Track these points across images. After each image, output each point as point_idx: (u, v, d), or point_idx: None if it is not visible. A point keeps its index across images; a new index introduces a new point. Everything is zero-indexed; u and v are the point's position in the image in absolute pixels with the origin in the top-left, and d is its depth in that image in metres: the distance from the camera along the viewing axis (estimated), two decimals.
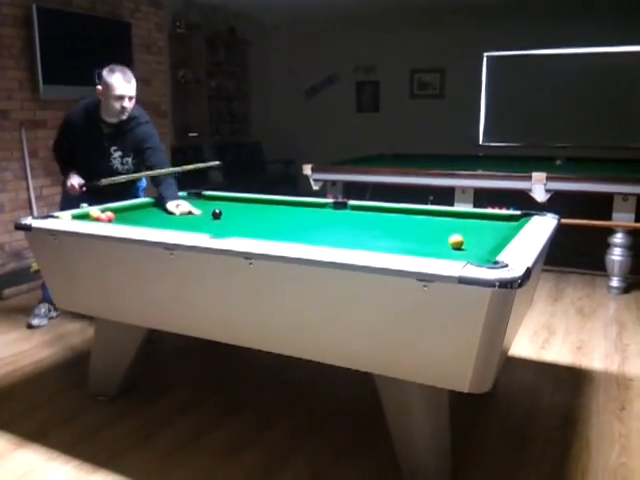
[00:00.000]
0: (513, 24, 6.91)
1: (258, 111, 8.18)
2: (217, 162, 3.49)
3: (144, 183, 3.63)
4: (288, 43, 8.21)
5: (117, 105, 3.06)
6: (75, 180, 3.20)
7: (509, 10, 6.84)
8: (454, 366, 1.74)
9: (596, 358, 3.11)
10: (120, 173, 3.27)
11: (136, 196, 3.48)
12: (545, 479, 2.09)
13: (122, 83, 3.04)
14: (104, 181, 3.15)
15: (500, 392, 2.73)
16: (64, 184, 3.33)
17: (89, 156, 3.25)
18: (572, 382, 2.84)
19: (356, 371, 1.94)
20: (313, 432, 2.41)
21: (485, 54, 7.22)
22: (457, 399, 2.08)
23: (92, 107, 3.17)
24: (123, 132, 3.19)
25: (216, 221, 2.73)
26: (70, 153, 3.31)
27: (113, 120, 3.15)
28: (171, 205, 2.99)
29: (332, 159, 5.52)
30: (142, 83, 5.52)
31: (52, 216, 2.63)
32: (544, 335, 3.44)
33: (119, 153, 3.23)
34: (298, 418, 2.52)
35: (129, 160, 3.27)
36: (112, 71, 3.06)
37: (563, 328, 3.55)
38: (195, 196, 3.44)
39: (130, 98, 3.09)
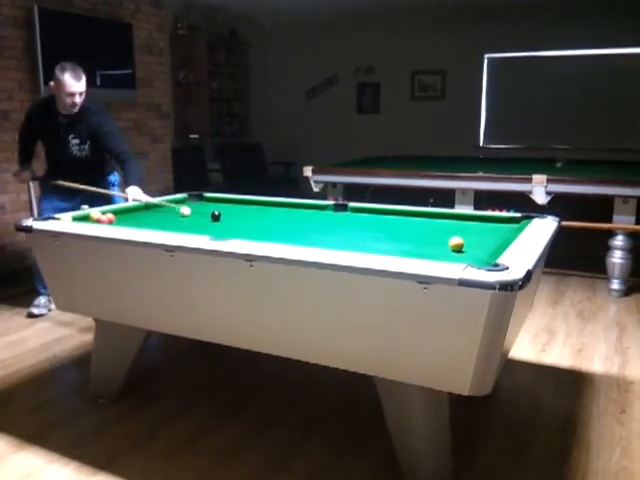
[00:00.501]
0: (514, 26, 6.92)
1: (259, 113, 8.19)
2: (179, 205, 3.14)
3: (117, 177, 3.84)
4: (289, 45, 8.21)
5: (68, 100, 3.34)
6: (26, 175, 3.69)
7: (510, 12, 6.85)
8: (454, 368, 1.74)
9: (596, 361, 3.11)
10: (79, 159, 3.57)
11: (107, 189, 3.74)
12: None
13: (72, 81, 3.31)
14: (60, 182, 3.51)
15: (500, 395, 2.72)
16: (42, 185, 3.73)
17: (50, 144, 3.61)
18: (572, 385, 2.84)
19: (356, 373, 1.94)
20: (313, 433, 2.41)
21: (486, 56, 7.23)
22: (457, 402, 2.08)
23: (51, 101, 3.48)
24: (79, 122, 3.48)
25: (216, 223, 2.73)
26: (30, 143, 3.69)
27: (67, 112, 3.44)
28: (129, 191, 3.25)
29: (333, 161, 5.53)
30: (143, 84, 5.55)
31: (53, 218, 2.63)
32: (544, 338, 3.43)
33: (76, 141, 3.52)
34: (298, 419, 2.52)
35: (86, 147, 3.55)
36: (63, 69, 3.33)
37: (563, 331, 3.54)
38: (196, 198, 3.43)
39: (80, 94, 3.37)
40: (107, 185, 3.73)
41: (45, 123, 3.53)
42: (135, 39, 5.38)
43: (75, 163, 3.57)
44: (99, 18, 4.99)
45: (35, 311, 3.73)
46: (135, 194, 3.21)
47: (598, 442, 2.34)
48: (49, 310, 3.78)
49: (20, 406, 2.65)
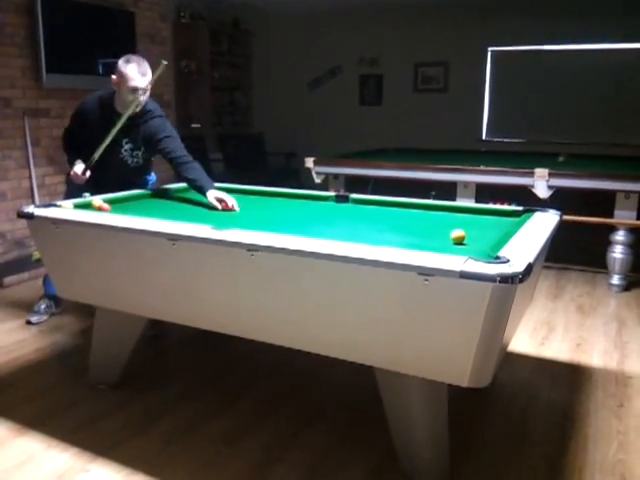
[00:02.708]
0: (518, 19, 6.88)
1: (261, 103, 8.16)
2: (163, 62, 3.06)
3: (154, 177, 3.57)
4: (292, 35, 8.17)
5: (131, 97, 2.98)
6: (78, 167, 3.09)
7: (514, 5, 6.81)
8: (454, 360, 1.75)
9: (595, 355, 3.12)
10: (129, 166, 3.22)
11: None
12: (543, 474, 2.10)
13: (137, 75, 2.96)
14: (96, 155, 3.06)
15: (499, 387, 2.73)
16: (68, 175, 3.25)
17: (99, 145, 3.12)
18: (571, 379, 2.85)
19: (356, 364, 1.94)
20: (312, 423, 2.42)
21: (490, 49, 7.19)
22: (456, 393, 2.08)
23: (106, 98, 3.11)
24: (136, 125, 3.10)
25: (218, 211, 2.71)
26: (79, 143, 3.22)
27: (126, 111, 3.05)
28: (212, 197, 2.82)
29: (334, 152, 5.52)
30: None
31: (54, 205, 2.63)
32: (544, 331, 3.44)
33: (130, 145, 3.16)
34: (297, 409, 2.53)
35: (139, 153, 3.21)
36: (128, 61, 2.97)
37: (563, 325, 3.55)
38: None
39: (144, 91, 3.00)
40: (144, 184, 3.43)
41: (98, 122, 3.11)
42: (138, 27, 5.35)
43: (122, 168, 3.22)
44: (102, 6, 4.97)
45: (33, 319, 3.46)
46: (226, 201, 2.81)
47: (595, 435, 2.35)
48: (51, 315, 3.54)
49: (21, 392, 2.66)
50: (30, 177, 4.45)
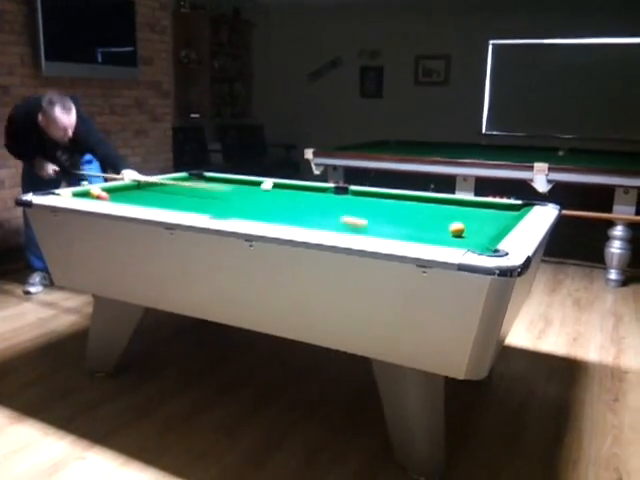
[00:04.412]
0: (520, 13, 6.86)
1: (260, 94, 8.13)
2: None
3: (90, 156, 3.78)
4: (292, 26, 8.14)
5: (60, 134, 3.24)
6: (48, 168, 3.45)
7: None
8: (451, 352, 1.75)
9: (592, 350, 3.13)
10: (63, 163, 3.55)
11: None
12: (537, 467, 2.11)
13: (63, 117, 3.17)
14: (85, 173, 3.50)
15: (495, 380, 2.74)
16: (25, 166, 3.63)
17: (37, 150, 3.47)
18: (567, 373, 2.86)
19: (354, 355, 1.95)
20: (310, 414, 2.42)
21: (491, 42, 7.17)
22: (453, 385, 2.09)
23: (35, 118, 3.24)
24: (65, 142, 3.37)
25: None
26: (28, 142, 3.44)
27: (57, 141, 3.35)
28: (125, 173, 3.20)
29: (334, 144, 5.51)
30: (145, 62, 5.51)
31: (53, 193, 2.62)
32: (541, 325, 3.45)
33: (65, 156, 3.53)
34: (295, 400, 2.54)
35: (75, 159, 3.60)
36: (52, 104, 3.16)
37: (560, 319, 3.56)
38: (196, 177, 3.42)
39: (72, 127, 3.24)
40: (83, 164, 3.71)
41: (31, 133, 3.35)
42: (137, 16, 5.32)
43: (60, 166, 3.56)
44: None
45: (32, 289, 3.73)
46: (131, 175, 3.17)
47: (591, 429, 2.36)
48: (44, 286, 3.78)
49: (17, 379, 2.67)
50: None
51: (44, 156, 3.46)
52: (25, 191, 3.30)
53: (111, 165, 3.40)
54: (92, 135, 3.46)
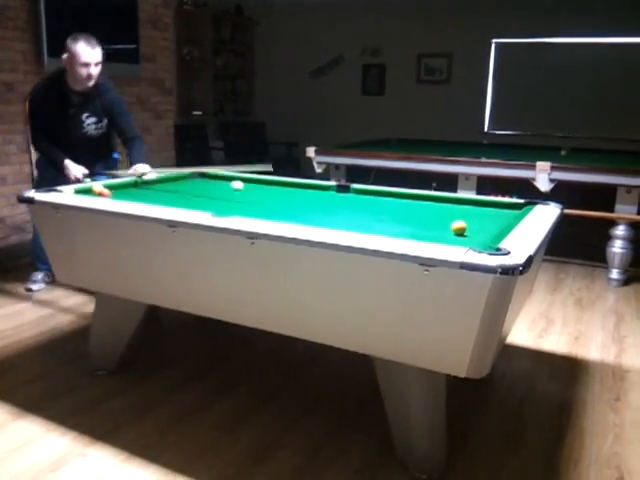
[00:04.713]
0: (523, 11, 6.84)
1: (262, 91, 8.13)
2: (268, 166, 3.09)
3: (118, 155, 3.75)
4: (295, 23, 8.13)
5: (84, 72, 3.13)
6: (78, 170, 3.28)
7: None
8: (453, 350, 1.75)
9: (593, 349, 3.13)
10: (94, 138, 3.41)
11: (112, 167, 3.60)
12: (539, 466, 2.11)
13: (87, 50, 3.11)
14: (108, 172, 3.30)
15: (497, 379, 2.74)
16: (38, 164, 3.53)
17: (62, 126, 3.32)
18: (568, 371, 2.86)
19: (355, 352, 1.95)
20: (311, 411, 2.43)
21: (493, 40, 7.16)
22: (454, 383, 2.09)
23: (57, 79, 3.23)
24: (92, 98, 3.28)
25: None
26: (50, 135, 3.34)
27: (81, 88, 3.23)
28: (139, 168, 3.15)
29: (336, 142, 5.50)
30: (147, 59, 5.50)
31: (55, 190, 2.62)
32: (542, 324, 3.45)
33: (92, 119, 3.33)
34: (296, 397, 2.54)
35: (103, 125, 3.40)
36: (76, 39, 3.12)
37: (561, 318, 3.56)
38: (198, 174, 3.42)
39: (96, 64, 3.17)
40: (114, 163, 3.66)
41: (54, 104, 3.27)
42: (140, 13, 5.31)
43: (89, 142, 3.41)
44: None
45: (34, 287, 3.72)
46: (145, 170, 3.14)
47: (592, 428, 2.36)
48: (47, 283, 3.78)
49: (19, 376, 2.67)
50: (31, 162, 4.44)
51: (71, 126, 3.32)
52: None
53: (128, 140, 3.37)
54: (120, 103, 3.40)
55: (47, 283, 3.79)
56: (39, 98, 3.31)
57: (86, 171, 3.30)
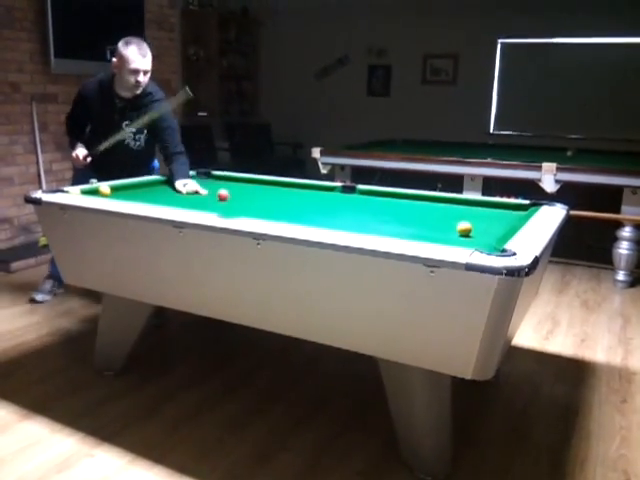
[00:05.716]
0: (529, 11, 6.81)
1: (268, 92, 8.13)
2: (187, 93, 2.91)
3: (157, 164, 3.55)
4: (300, 24, 8.12)
5: (131, 79, 2.99)
6: (80, 151, 3.13)
7: None
8: (458, 352, 1.75)
9: (599, 351, 3.11)
10: (131, 149, 3.21)
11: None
12: (544, 468, 2.11)
13: (137, 56, 2.97)
14: (102, 147, 3.08)
15: (502, 380, 2.74)
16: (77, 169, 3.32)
17: (101, 130, 3.15)
18: (575, 373, 2.85)
19: (360, 354, 1.95)
20: (315, 412, 2.43)
21: (499, 40, 7.13)
22: (459, 385, 2.09)
23: (106, 81, 3.11)
24: (137, 107, 3.11)
25: (223, 202, 2.70)
26: (82, 128, 3.27)
27: (127, 94, 3.08)
28: (179, 184, 2.97)
29: (341, 143, 5.49)
30: (153, 59, 5.51)
31: (62, 190, 2.63)
32: (548, 326, 3.44)
33: (131, 129, 3.13)
34: (301, 398, 2.54)
35: (141, 137, 3.20)
36: (128, 43, 2.98)
37: (567, 320, 3.55)
38: (204, 175, 3.43)
39: (145, 72, 3.02)
40: (150, 172, 3.41)
41: (99, 105, 3.13)
42: (146, 13, 5.34)
43: (125, 153, 3.20)
44: None
45: (38, 297, 3.56)
46: (189, 186, 2.94)
47: (598, 430, 2.35)
48: (54, 295, 3.63)
49: (26, 376, 2.68)
50: (37, 162, 4.46)
51: (109, 132, 3.07)
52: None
53: (171, 156, 3.10)
54: (168, 116, 3.14)
55: (54, 294, 3.64)
56: (85, 91, 3.18)
57: (85, 151, 3.13)
